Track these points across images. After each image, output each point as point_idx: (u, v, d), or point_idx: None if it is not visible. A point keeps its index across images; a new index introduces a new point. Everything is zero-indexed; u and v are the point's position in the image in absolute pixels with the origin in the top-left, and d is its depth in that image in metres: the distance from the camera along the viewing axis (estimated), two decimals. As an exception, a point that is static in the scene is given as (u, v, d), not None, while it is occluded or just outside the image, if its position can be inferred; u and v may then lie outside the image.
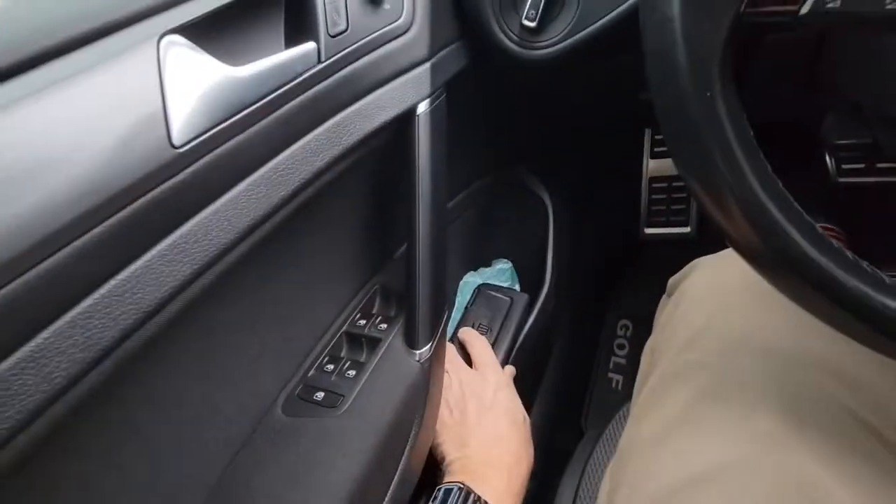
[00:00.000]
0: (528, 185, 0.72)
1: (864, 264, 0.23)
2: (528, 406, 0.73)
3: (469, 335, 0.54)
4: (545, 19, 0.45)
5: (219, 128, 0.27)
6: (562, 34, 0.45)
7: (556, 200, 0.72)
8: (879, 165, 0.75)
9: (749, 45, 0.26)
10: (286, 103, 0.31)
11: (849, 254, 0.23)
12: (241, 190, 0.29)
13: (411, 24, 0.39)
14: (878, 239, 0.71)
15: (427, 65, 0.41)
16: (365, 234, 0.46)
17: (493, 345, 0.56)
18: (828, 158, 0.80)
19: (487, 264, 0.69)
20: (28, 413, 0.20)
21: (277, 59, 0.30)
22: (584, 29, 0.44)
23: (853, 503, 0.26)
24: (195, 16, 0.27)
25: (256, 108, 0.29)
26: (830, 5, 0.19)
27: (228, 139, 0.27)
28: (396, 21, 0.38)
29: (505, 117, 0.67)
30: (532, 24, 0.45)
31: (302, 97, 0.32)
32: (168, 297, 0.25)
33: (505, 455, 0.43)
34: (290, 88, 0.31)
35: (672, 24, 0.21)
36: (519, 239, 0.72)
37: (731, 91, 0.22)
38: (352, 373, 0.40)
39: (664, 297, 0.46)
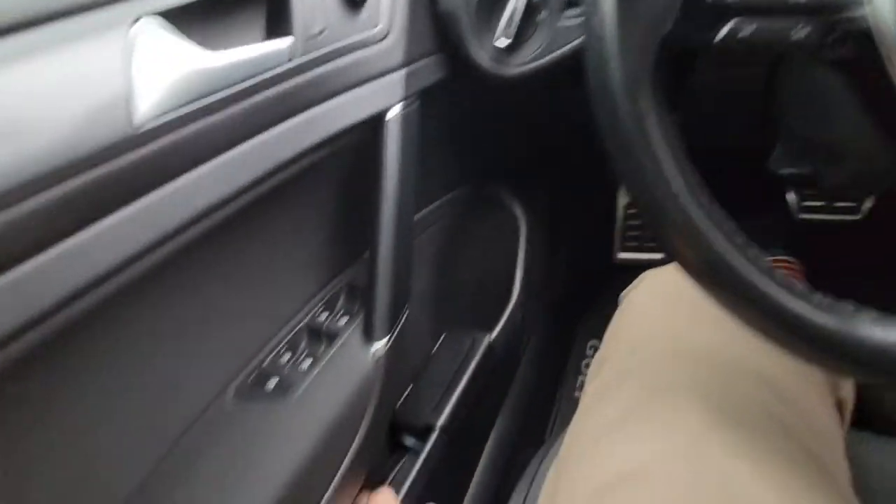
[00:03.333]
0: (502, 201, 0.74)
1: (796, 284, 0.24)
2: (490, 422, 0.73)
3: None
4: (518, 40, 0.48)
5: (182, 111, 0.28)
6: (533, 55, 0.48)
7: (530, 218, 0.74)
8: (837, 205, 0.79)
9: (686, 67, 0.28)
10: (253, 95, 0.32)
11: (775, 271, 0.24)
12: (198, 174, 0.30)
13: (387, 33, 0.41)
14: (835, 273, 0.74)
15: (401, 72, 0.43)
16: (333, 231, 0.48)
17: (449, 385, 0.57)
18: (790, 195, 0.84)
19: (454, 278, 0.70)
20: None
21: (251, 50, 0.32)
22: (552, 52, 0.47)
23: (769, 498, 0.28)
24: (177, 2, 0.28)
25: (224, 97, 0.30)
26: (741, 34, 0.21)
27: (190, 123, 0.29)
28: (373, 29, 0.40)
29: (481, 130, 0.69)
30: (505, 45, 0.47)
31: (270, 91, 0.33)
32: (103, 277, 0.26)
33: None
34: (260, 82, 0.32)
35: (604, 45, 0.23)
36: (488, 254, 0.73)
37: (663, 111, 0.24)
38: (306, 364, 0.41)
39: (616, 311, 0.48)
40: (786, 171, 0.42)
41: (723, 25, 0.21)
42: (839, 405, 0.36)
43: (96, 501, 0.31)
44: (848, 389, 0.38)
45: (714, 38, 0.22)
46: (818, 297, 0.23)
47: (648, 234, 1.00)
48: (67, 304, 0.25)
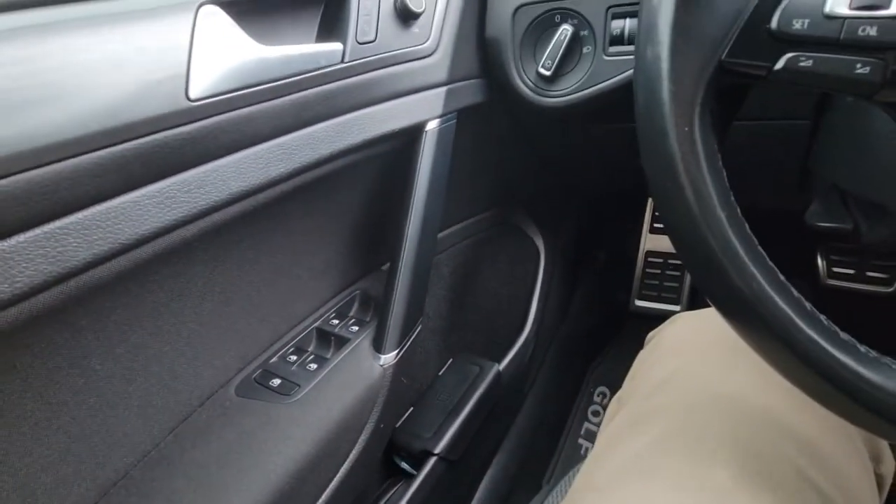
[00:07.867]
0: (525, 231, 0.74)
1: (830, 325, 0.23)
2: (489, 457, 0.70)
3: None
4: (559, 71, 0.48)
5: (234, 94, 0.29)
6: (573, 87, 0.48)
7: (551, 251, 0.73)
8: (869, 274, 0.77)
9: (734, 101, 0.28)
10: (303, 90, 0.33)
11: (821, 318, 0.23)
12: (242, 156, 0.30)
13: (435, 49, 0.43)
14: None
15: (443, 89, 0.44)
16: (355, 239, 0.48)
17: (451, 411, 0.57)
18: (819, 260, 0.82)
19: (469, 303, 0.69)
20: None
21: (304, 49, 0.33)
22: (592, 86, 0.47)
23: None
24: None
25: (274, 86, 0.31)
26: (803, 64, 0.21)
27: (242, 107, 0.29)
28: (422, 44, 0.41)
29: (511, 157, 0.69)
30: (547, 73, 0.48)
31: (319, 89, 0.34)
32: (145, 238, 0.26)
33: None
34: (309, 78, 0.33)
35: (659, 63, 0.23)
36: (506, 283, 0.72)
37: (708, 132, 0.24)
38: (313, 366, 0.40)
39: (641, 351, 0.46)
40: (823, 224, 0.41)
41: (782, 55, 0.21)
42: (878, 480, 0.34)
43: (88, 478, 0.30)
44: (889, 465, 0.35)
45: (773, 66, 0.21)
46: (864, 348, 0.22)
47: (668, 282, 0.99)
48: (91, 266, 0.25)
